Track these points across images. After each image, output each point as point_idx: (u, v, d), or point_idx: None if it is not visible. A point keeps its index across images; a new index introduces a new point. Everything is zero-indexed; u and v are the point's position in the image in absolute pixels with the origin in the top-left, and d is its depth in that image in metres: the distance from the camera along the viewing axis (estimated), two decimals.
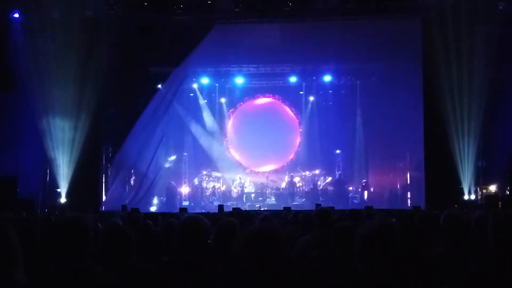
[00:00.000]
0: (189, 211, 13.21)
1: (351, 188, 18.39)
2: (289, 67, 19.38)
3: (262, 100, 20.65)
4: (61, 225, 2.95)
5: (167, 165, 18.80)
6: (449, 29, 13.90)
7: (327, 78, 19.39)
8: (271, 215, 5.37)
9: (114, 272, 2.96)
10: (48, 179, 15.16)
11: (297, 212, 7.14)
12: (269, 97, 20.51)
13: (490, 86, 14.20)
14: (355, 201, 17.59)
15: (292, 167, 19.65)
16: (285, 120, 20.72)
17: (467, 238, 4.02)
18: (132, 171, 18.67)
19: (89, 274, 2.83)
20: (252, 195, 18.21)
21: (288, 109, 20.60)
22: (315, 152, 19.80)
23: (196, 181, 19.14)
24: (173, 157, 18.94)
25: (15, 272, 2.40)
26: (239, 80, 19.53)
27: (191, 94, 20.08)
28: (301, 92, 20.10)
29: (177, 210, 13.62)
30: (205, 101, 20.11)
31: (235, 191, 18.51)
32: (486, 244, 3.57)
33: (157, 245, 4.32)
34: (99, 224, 5.50)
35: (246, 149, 20.57)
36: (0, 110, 14.51)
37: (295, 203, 17.25)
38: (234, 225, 4.03)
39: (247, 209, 14.25)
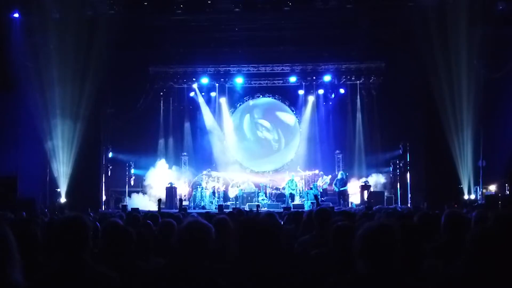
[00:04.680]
0: (188, 211, 13.20)
1: (351, 188, 18.36)
2: (289, 67, 19.39)
3: (262, 100, 20.66)
4: (61, 224, 2.95)
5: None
6: (449, 29, 13.90)
7: (327, 78, 19.39)
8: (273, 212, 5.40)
9: (114, 272, 2.96)
10: (48, 179, 15.16)
11: (298, 213, 7.13)
12: (269, 97, 20.55)
13: (490, 86, 14.20)
14: (355, 201, 17.58)
15: (292, 167, 19.64)
16: (285, 120, 20.74)
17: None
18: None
19: (89, 274, 2.83)
20: (252, 195, 18.19)
21: (288, 109, 20.61)
22: (315, 152, 19.82)
23: (195, 180, 19.12)
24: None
25: (13, 273, 2.40)
26: (239, 80, 19.53)
27: (191, 94, 20.10)
28: (301, 92, 20.09)
29: (176, 210, 13.61)
30: (205, 100, 20.10)
31: (234, 191, 18.50)
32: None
33: (156, 245, 4.32)
34: (97, 223, 5.51)
35: (246, 149, 20.58)
36: (0, 110, 14.51)
37: (295, 203, 17.23)
38: (226, 222, 4.04)
39: (247, 209, 14.21)
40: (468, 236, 2.76)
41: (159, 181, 18.11)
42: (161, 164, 18.66)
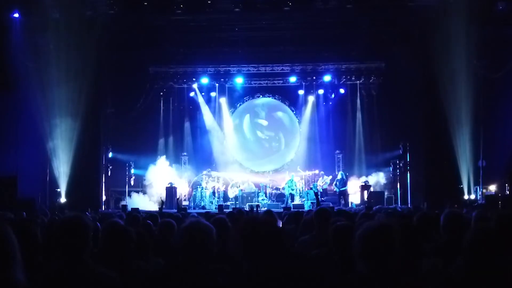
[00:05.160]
0: (188, 211, 13.18)
1: (351, 188, 18.37)
2: (289, 67, 19.40)
3: (262, 100, 20.66)
4: (61, 225, 2.95)
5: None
6: (449, 29, 13.90)
7: (327, 78, 19.40)
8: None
9: (114, 272, 2.96)
10: (48, 179, 15.15)
11: (298, 213, 7.13)
12: (269, 97, 20.55)
13: (490, 86, 14.20)
14: (355, 201, 17.58)
15: (292, 167, 19.64)
16: (285, 120, 20.74)
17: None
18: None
19: (89, 274, 2.83)
20: (252, 195, 18.19)
21: (288, 109, 20.62)
22: (315, 152, 19.82)
23: (195, 180, 19.12)
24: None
25: (15, 273, 2.41)
26: (239, 80, 19.54)
27: (191, 94, 20.10)
28: (301, 92, 20.09)
29: (176, 210, 13.60)
30: (205, 100, 20.11)
31: (234, 191, 18.49)
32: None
33: (156, 245, 4.32)
34: (98, 223, 5.51)
35: (246, 149, 20.58)
36: (0, 110, 14.52)
37: (295, 203, 17.23)
38: (225, 222, 4.04)
39: (247, 209, 14.21)
40: (468, 236, 2.76)
41: (160, 179, 18.10)
42: (162, 161, 18.67)
